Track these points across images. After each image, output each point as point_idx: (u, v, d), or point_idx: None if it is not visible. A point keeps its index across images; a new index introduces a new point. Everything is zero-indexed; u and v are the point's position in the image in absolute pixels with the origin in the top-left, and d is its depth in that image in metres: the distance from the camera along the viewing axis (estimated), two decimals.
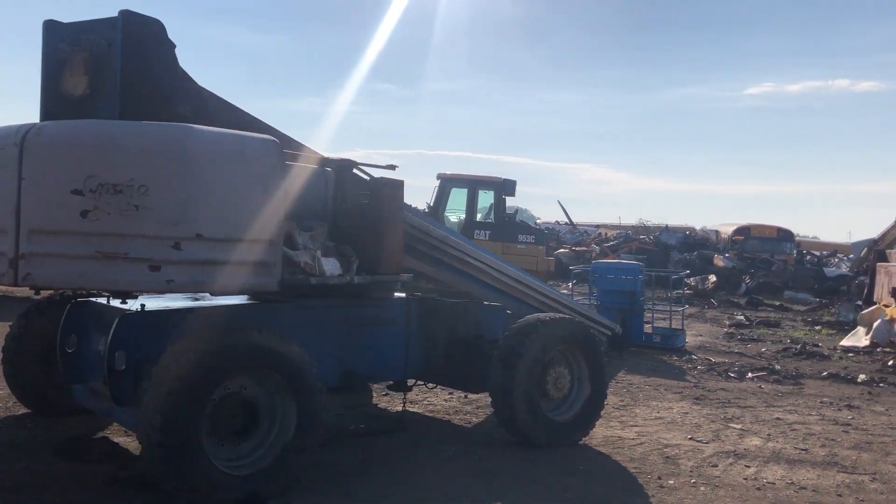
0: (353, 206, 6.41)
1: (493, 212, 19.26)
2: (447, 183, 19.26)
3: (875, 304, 20.80)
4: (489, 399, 6.89)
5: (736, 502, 5.73)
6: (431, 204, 19.10)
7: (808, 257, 33.14)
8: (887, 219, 23.15)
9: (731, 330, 16.69)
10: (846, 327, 18.23)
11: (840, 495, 6.01)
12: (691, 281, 23.82)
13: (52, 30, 5.44)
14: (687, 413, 8.55)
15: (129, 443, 6.28)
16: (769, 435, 7.74)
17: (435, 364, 7.15)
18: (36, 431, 6.49)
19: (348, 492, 5.46)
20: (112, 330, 5.28)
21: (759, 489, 6.04)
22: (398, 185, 6.42)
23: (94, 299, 6.22)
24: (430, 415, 7.90)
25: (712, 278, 25.56)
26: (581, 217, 52.27)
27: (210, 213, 4.78)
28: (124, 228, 4.63)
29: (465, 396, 8.47)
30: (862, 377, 11.24)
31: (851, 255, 33.15)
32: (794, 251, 32.01)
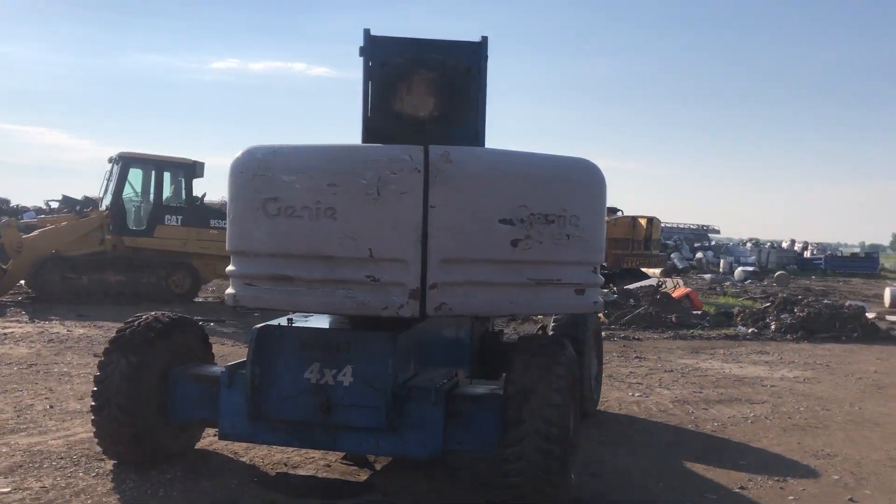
0: None
1: (182, 195, 18.19)
2: (128, 163, 17.73)
3: None
4: None
5: (817, 430, 7.76)
6: (109, 188, 17.65)
7: None
8: None
9: None
10: None
11: (851, 403, 8.57)
12: None
13: (375, 43, 5.17)
14: (630, 370, 10.42)
15: (323, 472, 5.96)
16: (724, 360, 10.02)
17: (476, 359, 7.79)
18: (208, 480, 5.73)
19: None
20: (393, 354, 5.20)
21: (814, 416, 8.20)
22: None
23: (274, 323, 5.72)
24: None
25: None
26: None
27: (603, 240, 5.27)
28: (556, 256, 4.89)
29: None
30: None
31: None
32: None
